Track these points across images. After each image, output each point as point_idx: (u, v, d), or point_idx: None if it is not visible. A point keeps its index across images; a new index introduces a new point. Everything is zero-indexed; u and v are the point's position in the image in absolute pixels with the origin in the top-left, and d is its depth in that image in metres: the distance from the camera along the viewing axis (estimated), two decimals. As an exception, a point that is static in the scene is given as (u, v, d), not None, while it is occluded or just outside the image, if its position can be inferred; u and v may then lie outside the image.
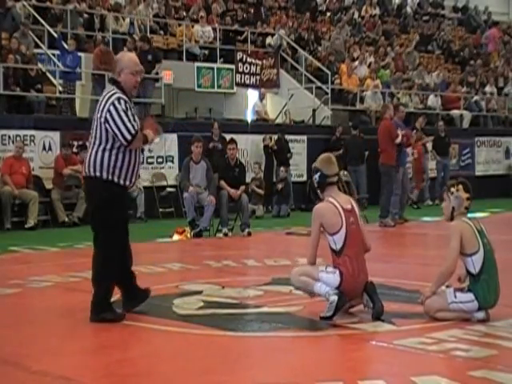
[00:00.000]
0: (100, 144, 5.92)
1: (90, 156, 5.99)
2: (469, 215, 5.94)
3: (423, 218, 15.36)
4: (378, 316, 5.80)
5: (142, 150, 6.79)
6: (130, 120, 5.84)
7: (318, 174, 5.97)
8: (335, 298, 5.66)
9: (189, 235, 11.99)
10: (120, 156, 5.93)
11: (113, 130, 5.83)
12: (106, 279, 5.99)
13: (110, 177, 5.93)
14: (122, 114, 5.84)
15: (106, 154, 5.90)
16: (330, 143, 18.40)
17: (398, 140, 13.84)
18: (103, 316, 5.88)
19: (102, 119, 5.86)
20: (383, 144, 13.98)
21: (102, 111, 5.88)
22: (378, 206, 18.15)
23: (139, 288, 6.34)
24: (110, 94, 5.96)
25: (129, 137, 5.82)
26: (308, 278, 5.94)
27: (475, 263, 5.71)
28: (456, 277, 5.97)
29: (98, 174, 5.93)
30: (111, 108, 5.85)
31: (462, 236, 5.70)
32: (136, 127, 5.89)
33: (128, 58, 6.22)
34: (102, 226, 6.03)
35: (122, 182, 5.98)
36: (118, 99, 5.88)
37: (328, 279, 5.83)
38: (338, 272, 5.80)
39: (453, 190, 5.90)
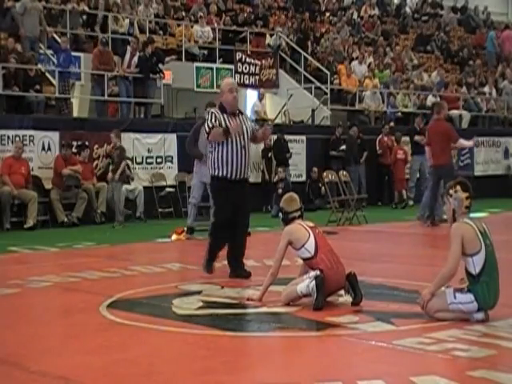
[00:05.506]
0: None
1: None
2: (470, 215, 5.91)
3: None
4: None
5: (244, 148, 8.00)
6: (210, 122, 7.87)
7: (282, 211, 6.81)
8: (313, 282, 6.18)
9: (183, 238, 11.89)
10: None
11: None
12: None
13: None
14: (208, 118, 8.00)
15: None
16: (329, 143, 18.43)
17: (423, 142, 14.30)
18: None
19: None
20: (444, 145, 13.25)
21: None
22: (377, 206, 18.29)
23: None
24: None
25: (206, 129, 7.89)
26: (290, 288, 6.43)
27: (476, 264, 5.68)
28: (457, 278, 5.94)
29: None
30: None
31: (464, 238, 5.66)
32: (212, 125, 7.80)
33: (225, 82, 8.53)
34: None
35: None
36: (209, 112, 8.14)
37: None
38: (318, 271, 6.30)
39: (451, 191, 5.86)
